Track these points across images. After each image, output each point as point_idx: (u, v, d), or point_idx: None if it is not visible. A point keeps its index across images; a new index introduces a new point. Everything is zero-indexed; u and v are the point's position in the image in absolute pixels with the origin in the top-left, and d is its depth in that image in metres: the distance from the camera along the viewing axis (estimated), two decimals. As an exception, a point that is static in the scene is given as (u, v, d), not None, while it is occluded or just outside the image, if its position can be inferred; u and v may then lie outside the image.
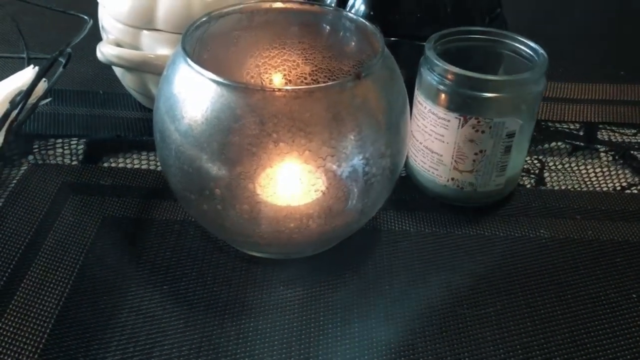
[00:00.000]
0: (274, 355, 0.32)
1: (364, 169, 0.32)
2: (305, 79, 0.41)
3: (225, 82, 0.29)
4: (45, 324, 0.33)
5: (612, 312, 0.35)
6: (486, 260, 0.38)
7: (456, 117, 0.37)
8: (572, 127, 0.51)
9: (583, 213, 0.42)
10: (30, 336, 0.32)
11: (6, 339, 0.32)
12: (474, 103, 0.37)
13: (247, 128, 0.30)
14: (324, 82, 0.40)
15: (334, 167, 0.31)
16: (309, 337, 0.33)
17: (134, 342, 0.32)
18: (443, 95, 0.38)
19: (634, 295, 0.36)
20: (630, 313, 0.35)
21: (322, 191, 0.32)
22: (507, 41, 0.40)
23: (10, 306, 0.33)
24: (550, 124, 0.51)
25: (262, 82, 0.40)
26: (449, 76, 0.37)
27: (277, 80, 0.41)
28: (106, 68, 0.47)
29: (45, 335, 0.32)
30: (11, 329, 0.32)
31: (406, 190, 0.43)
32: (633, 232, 0.40)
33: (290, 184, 0.32)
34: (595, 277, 0.37)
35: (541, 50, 0.39)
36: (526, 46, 0.40)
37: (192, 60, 0.31)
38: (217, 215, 0.33)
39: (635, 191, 0.44)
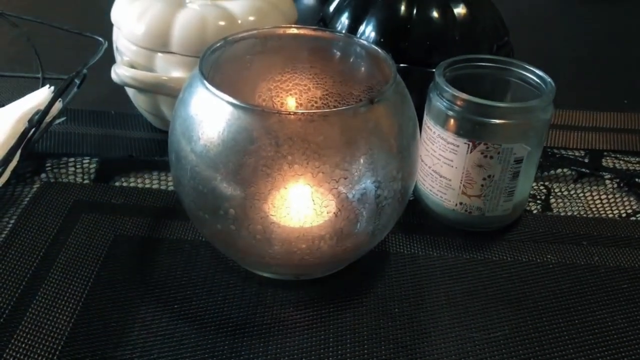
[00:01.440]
0: (284, 375, 0.32)
1: (375, 192, 0.32)
2: (316, 102, 0.41)
3: (242, 104, 0.30)
4: (57, 341, 0.33)
5: (619, 337, 0.35)
6: (494, 284, 0.38)
7: (465, 143, 0.38)
8: (577, 154, 0.51)
9: (589, 239, 0.42)
10: (43, 352, 0.32)
11: (19, 356, 0.32)
12: (483, 129, 0.37)
13: (263, 150, 0.30)
14: (335, 106, 0.41)
15: (346, 189, 0.32)
16: (319, 357, 0.33)
17: (145, 361, 0.32)
18: (452, 121, 0.38)
19: (641, 322, 0.36)
20: (637, 339, 0.35)
21: (334, 213, 0.32)
22: (514, 69, 0.41)
23: (23, 322, 0.34)
24: (556, 151, 0.51)
25: (274, 105, 0.41)
26: (458, 102, 0.38)
27: (288, 103, 0.41)
28: (118, 89, 0.48)
29: (57, 352, 0.32)
30: (24, 346, 0.32)
31: (415, 214, 0.43)
32: (638, 259, 0.40)
33: (303, 206, 0.32)
34: (602, 303, 0.37)
35: (549, 79, 0.40)
36: (533, 74, 0.40)
37: (209, 83, 0.31)
38: (230, 236, 0.33)
39: (641, 218, 0.44)
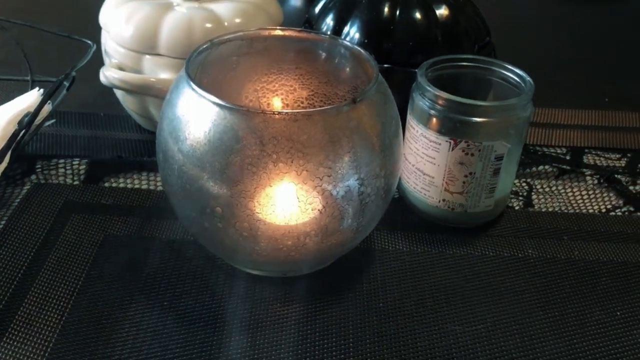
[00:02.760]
0: (271, 369, 0.33)
1: (359, 189, 0.33)
2: (302, 102, 0.42)
3: (227, 105, 0.31)
4: (48, 339, 0.34)
5: (597, 329, 0.36)
6: (476, 279, 0.39)
7: (447, 141, 0.39)
8: (559, 151, 0.52)
9: (569, 234, 0.43)
10: (34, 350, 0.33)
11: (10, 353, 0.33)
12: (464, 127, 0.38)
13: (248, 149, 0.31)
14: (320, 106, 0.41)
15: (330, 187, 0.32)
16: (305, 352, 0.34)
17: (135, 357, 0.33)
18: (434, 120, 0.39)
19: (618, 313, 0.37)
20: (614, 330, 0.36)
21: (318, 210, 0.33)
22: (495, 69, 0.42)
23: (14, 321, 0.34)
24: (538, 148, 0.52)
25: (260, 106, 0.42)
26: (440, 101, 0.39)
27: (275, 104, 0.42)
28: (107, 91, 0.49)
29: (49, 350, 0.33)
30: (15, 344, 0.33)
31: (399, 211, 0.44)
32: (617, 253, 0.42)
33: (288, 203, 0.33)
34: (581, 296, 0.38)
35: (528, 78, 0.41)
36: (513, 73, 0.41)
37: (195, 84, 0.32)
38: (217, 233, 0.34)
39: (620, 213, 0.45)
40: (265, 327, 0.35)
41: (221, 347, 0.34)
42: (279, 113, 0.31)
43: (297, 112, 0.31)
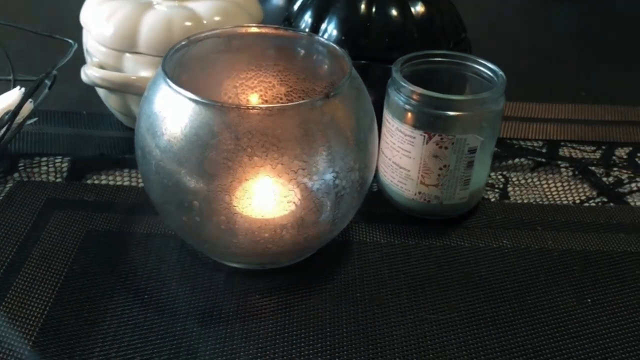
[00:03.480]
0: (249, 357, 0.33)
1: (334, 182, 0.34)
2: (281, 98, 0.43)
3: (203, 100, 0.32)
4: (30, 332, 0.34)
5: (568, 315, 0.37)
6: (451, 269, 0.40)
7: (421, 134, 0.40)
8: (535, 144, 0.53)
9: (544, 224, 0.44)
10: (17, 343, 0.33)
11: (-8, 347, 0.33)
12: (437, 121, 0.39)
13: (223, 143, 0.32)
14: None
15: (306, 180, 0.33)
16: (283, 341, 0.35)
17: (116, 349, 0.34)
18: (409, 114, 0.40)
19: (589, 300, 0.38)
20: (585, 316, 0.37)
21: (294, 203, 0.34)
22: (468, 64, 0.43)
23: (-4, 316, 0.35)
24: (515, 142, 0.53)
25: (239, 102, 0.42)
26: (414, 96, 0.40)
27: (254, 100, 0.43)
28: (90, 89, 0.49)
29: (30, 343, 0.34)
30: (-3, 337, 0.34)
31: (378, 204, 0.45)
32: (590, 242, 0.43)
33: (265, 196, 0.34)
34: (553, 283, 0.39)
35: (500, 72, 0.42)
36: (486, 68, 0.42)
37: (172, 81, 0.33)
38: (196, 227, 0.35)
39: (593, 204, 0.47)
40: (243, 318, 0.36)
41: (200, 338, 0.34)
42: (253, 108, 0.32)
43: (271, 106, 0.32)
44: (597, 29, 0.80)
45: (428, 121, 0.40)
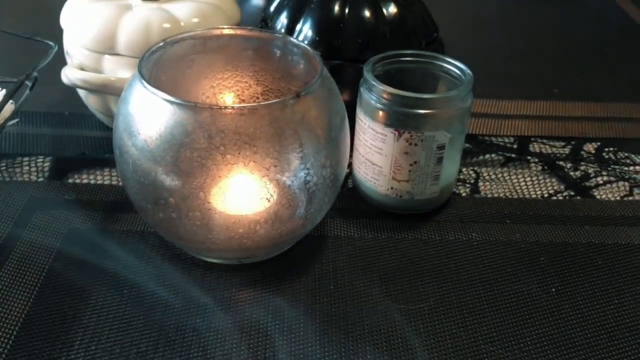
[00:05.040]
0: (225, 349, 0.35)
1: (305, 178, 0.35)
2: (258, 98, 0.44)
3: (176, 101, 0.33)
4: (12, 327, 0.35)
5: (533, 303, 0.39)
6: (422, 261, 0.41)
7: (392, 132, 0.41)
8: (507, 140, 0.55)
9: (512, 218, 0.46)
10: (-2, 338, 0.35)
11: (-25, 341, 0.34)
12: (407, 119, 0.41)
13: (197, 142, 0.33)
14: (272, 101, 0.43)
15: (278, 176, 0.35)
16: (258, 332, 0.36)
17: (96, 341, 0.35)
18: (380, 113, 0.42)
19: (553, 290, 0.40)
20: (549, 305, 0.39)
21: (267, 199, 0.35)
22: (438, 63, 0.45)
23: (-21, 311, 0.36)
24: (487, 138, 0.55)
25: (217, 102, 0.44)
26: (385, 95, 0.41)
27: (230, 100, 0.44)
28: (71, 90, 0.50)
29: (13, 337, 0.35)
30: (-20, 332, 0.35)
31: (353, 200, 0.46)
32: (556, 234, 0.44)
33: (239, 193, 0.35)
34: (519, 274, 0.41)
35: (468, 71, 0.43)
36: (454, 67, 0.44)
37: (149, 82, 0.34)
38: (172, 223, 0.36)
39: (560, 197, 0.48)
40: (220, 311, 0.37)
41: (178, 329, 0.36)
42: (226, 107, 0.33)
43: (243, 106, 0.33)
44: (570, 28, 0.82)
45: (398, 119, 0.41)
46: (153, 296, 0.38)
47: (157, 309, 0.37)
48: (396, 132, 0.41)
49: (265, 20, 0.52)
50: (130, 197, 0.38)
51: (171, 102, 0.33)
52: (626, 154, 0.54)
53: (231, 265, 0.40)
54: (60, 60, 0.50)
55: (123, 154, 0.35)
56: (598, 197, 0.48)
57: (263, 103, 0.35)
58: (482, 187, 0.49)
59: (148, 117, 0.34)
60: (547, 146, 0.55)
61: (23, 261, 0.39)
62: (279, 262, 0.41)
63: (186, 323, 0.36)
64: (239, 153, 0.33)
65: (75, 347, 0.34)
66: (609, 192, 0.49)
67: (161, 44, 0.39)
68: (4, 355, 0.34)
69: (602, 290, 0.40)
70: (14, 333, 0.35)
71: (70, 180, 0.47)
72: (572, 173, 0.51)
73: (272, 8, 0.52)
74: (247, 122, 0.33)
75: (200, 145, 0.33)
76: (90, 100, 0.51)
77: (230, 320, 0.37)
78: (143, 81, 0.34)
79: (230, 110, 0.33)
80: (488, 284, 0.40)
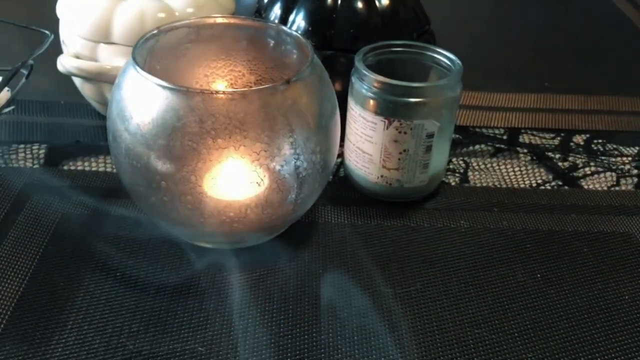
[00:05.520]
0: (215, 329, 0.35)
1: (295, 164, 0.36)
2: (251, 87, 0.45)
3: (168, 86, 0.33)
4: (7, 307, 0.36)
5: (518, 289, 0.39)
6: (410, 247, 0.42)
7: (382, 120, 0.42)
8: (497, 132, 0.56)
9: (500, 206, 0.46)
10: (-7, 318, 0.35)
11: (-30, 321, 0.35)
12: (397, 107, 0.41)
13: (188, 126, 0.34)
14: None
15: (268, 161, 0.35)
16: (248, 314, 0.37)
17: (89, 322, 0.35)
18: (371, 101, 0.42)
19: (539, 275, 0.41)
20: (534, 290, 0.39)
21: (257, 183, 0.36)
22: (428, 53, 0.45)
23: (-26, 292, 0.37)
24: (477, 130, 0.56)
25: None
26: (375, 84, 0.42)
27: (225, 89, 0.45)
28: (67, 79, 0.51)
29: (7, 317, 0.35)
30: (-26, 312, 0.35)
31: (344, 188, 0.47)
32: (543, 222, 0.45)
33: (229, 177, 0.36)
34: (506, 260, 0.42)
35: (457, 60, 0.44)
36: (444, 57, 0.44)
37: (143, 69, 0.35)
38: (164, 207, 0.37)
39: (549, 187, 0.49)
40: (211, 294, 0.38)
41: (169, 311, 0.36)
42: (217, 92, 0.34)
43: (234, 90, 0.34)
44: (561, 22, 0.83)
45: (388, 108, 0.42)
46: (145, 279, 0.38)
47: (148, 291, 0.38)
48: (386, 121, 0.42)
49: (259, 12, 0.53)
50: (124, 182, 0.38)
51: (163, 87, 0.34)
52: (614, 146, 0.54)
53: (223, 250, 0.41)
54: (56, 49, 0.51)
55: (116, 139, 0.36)
56: (585, 187, 0.49)
57: (254, 88, 0.36)
58: (472, 177, 0.50)
59: (141, 102, 0.34)
60: (536, 137, 0.55)
61: (18, 244, 0.40)
62: (270, 247, 0.41)
63: (177, 305, 0.37)
64: (230, 137, 0.34)
65: (69, 327, 0.35)
66: (596, 182, 0.50)
67: (155, 31, 0.40)
68: (-2, 335, 0.34)
69: (586, 276, 0.41)
70: (8, 313, 0.36)
71: (65, 167, 0.48)
72: (560, 164, 0.52)
73: (266, -1, 0.53)
74: (237, 107, 0.34)
75: (191, 130, 0.34)
76: (86, 89, 0.52)
77: (221, 303, 0.37)
78: (136, 66, 0.35)
79: (221, 95, 0.34)
80: (475, 269, 0.41)
